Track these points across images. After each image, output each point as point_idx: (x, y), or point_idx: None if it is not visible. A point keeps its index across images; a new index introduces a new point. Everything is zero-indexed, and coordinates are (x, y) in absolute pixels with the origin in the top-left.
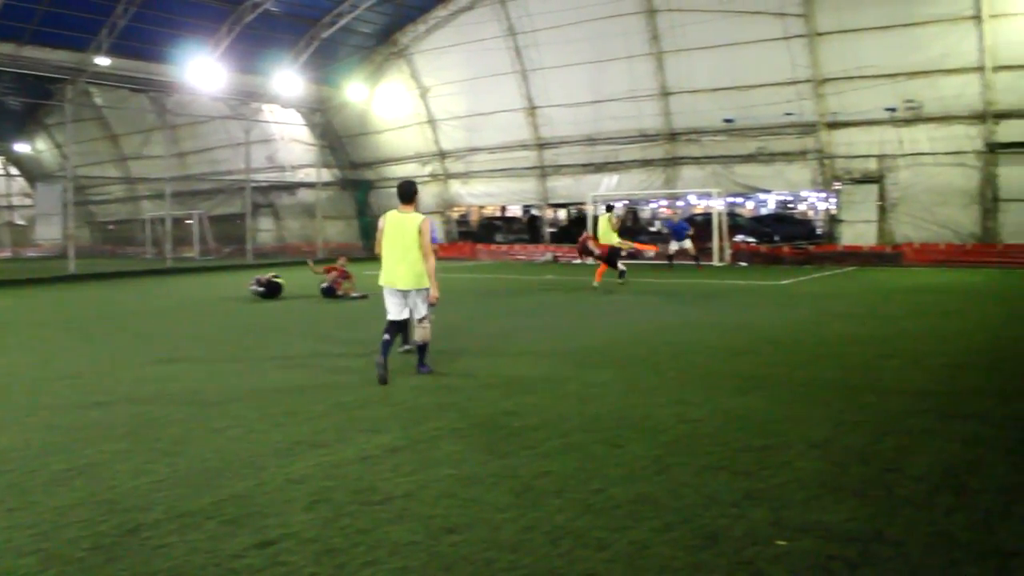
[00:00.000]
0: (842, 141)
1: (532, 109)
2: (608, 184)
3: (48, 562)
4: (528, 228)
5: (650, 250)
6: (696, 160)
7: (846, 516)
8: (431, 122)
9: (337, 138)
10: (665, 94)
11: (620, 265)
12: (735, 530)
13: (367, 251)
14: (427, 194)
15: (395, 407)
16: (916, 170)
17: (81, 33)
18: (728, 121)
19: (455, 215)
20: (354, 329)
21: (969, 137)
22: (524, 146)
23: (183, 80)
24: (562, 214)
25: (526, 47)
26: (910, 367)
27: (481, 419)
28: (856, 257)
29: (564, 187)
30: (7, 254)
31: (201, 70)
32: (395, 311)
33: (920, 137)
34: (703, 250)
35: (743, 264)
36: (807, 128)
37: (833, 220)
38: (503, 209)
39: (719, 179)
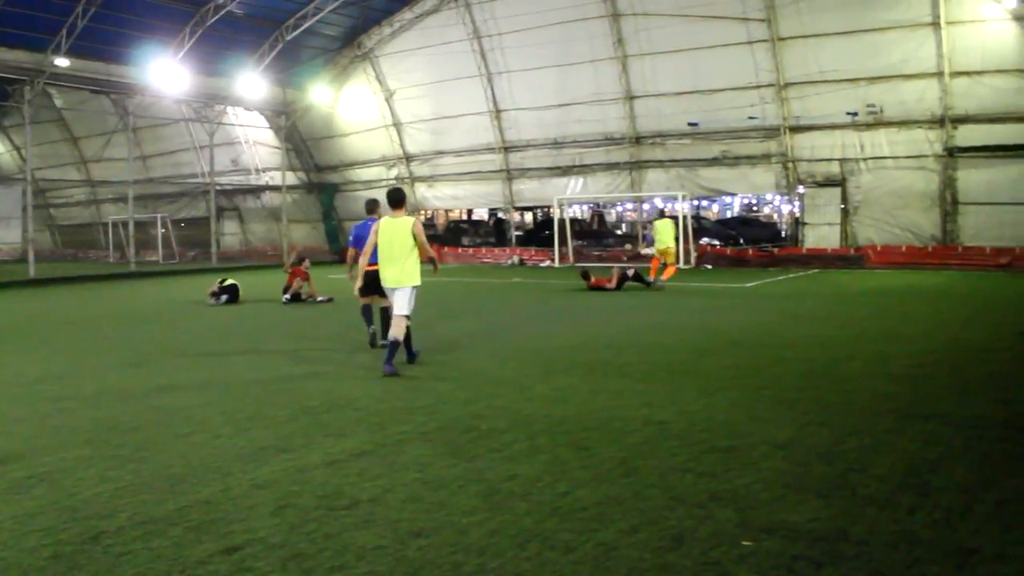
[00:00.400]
0: (805, 145)
1: (497, 112)
2: (574, 187)
3: (7, 572)
4: (494, 231)
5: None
6: (661, 163)
7: (811, 516)
8: (396, 125)
9: (302, 141)
10: (630, 98)
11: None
12: (701, 531)
13: (333, 254)
14: None
15: (361, 411)
16: (878, 174)
17: (39, 33)
18: (692, 125)
19: (421, 218)
20: (319, 333)
21: (929, 141)
22: (490, 149)
23: (145, 82)
24: (528, 217)
25: (491, 50)
26: (873, 368)
27: (447, 422)
28: (820, 259)
29: (530, 190)
30: None
31: (163, 72)
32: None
33: (881, 141)
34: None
35: (708, 267)
36: (770, 132)
37: (797, 223)
38: (469, 212)
39: (684, 182)
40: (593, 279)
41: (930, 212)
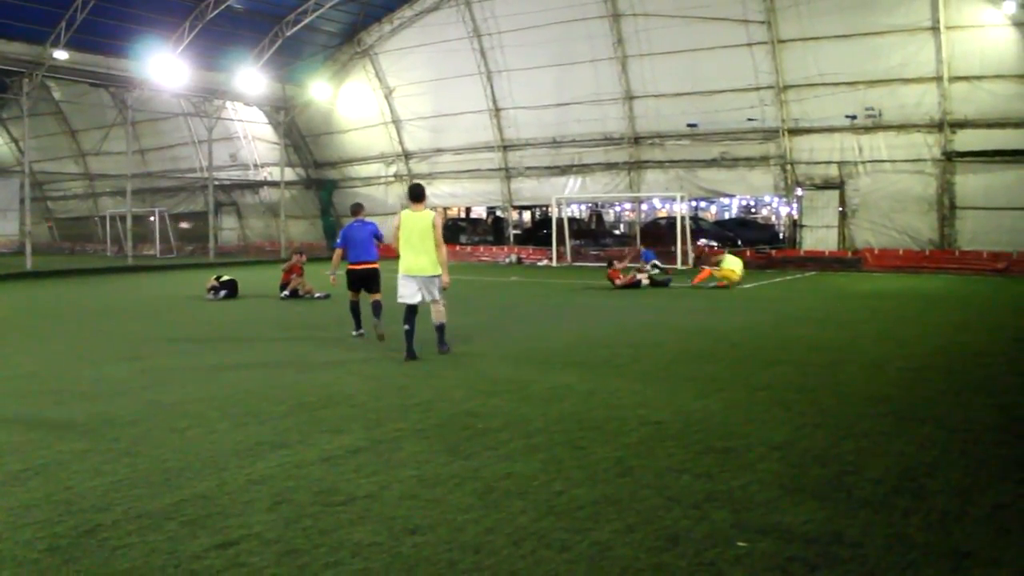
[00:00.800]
0: (804, 147)
1: (497, 111)
2: (572, 187)
3: (2, 564)
4: (492, 230)
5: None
6: (660, 164)
7: (806, 518)
8: (396, 122)
9: (301, 137)
10: (629, 98)
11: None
12: (696, 532)
13: (332, 251)
14: (391, 195)
15: (358, 408)
16: (876, 177)
17: (39, 25)
18: (692, 126)
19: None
20: (316, 328)
21: (927, 145)
22: (488, 147)
23: (144, 76)
24: (527, 216)
25: (491, 49)
26: (869, 371)
27: (444, 419)
28: (817, 262)
29: (528, 189)
30: None
31: (162, 66)
32: (410, 296)
33: (880, 144)
34: (665, 254)
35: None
36: (769, 134)
37: (795, 225)
38: (467, 210)
39: (682, 183)
40: (612, 271)
41: (928, 216)
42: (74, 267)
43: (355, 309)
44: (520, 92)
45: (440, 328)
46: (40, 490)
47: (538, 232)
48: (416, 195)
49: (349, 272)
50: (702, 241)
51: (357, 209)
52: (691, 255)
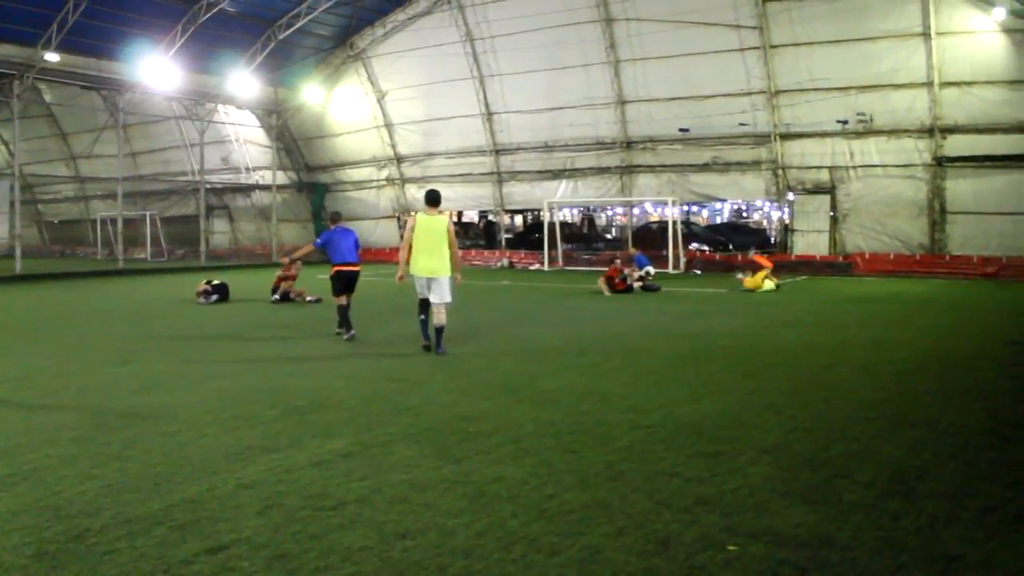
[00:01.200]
0: (795, 152)
1: (489, 115)
2: (564, 191)
3: None
4: (484, 234)
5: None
6: (652, 168)
7: (796, 521)
8: (388, 126)
9: (293, 140)
10: (622, 102)
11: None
12: (687, 535)
13: (323, 255)
14: (383, 198)
15: (348, 412)
16: (867, 182)
17: (30, 28)
18: (683, 130)
19: (411, 220)
20: (307, 332)
21: (918, 150)
22: (480, 151)
23: (136, 78)
24: (518, 220)
25: (483, 53)
26: (859, 375)
27: (435, 423)
28: (808, 266)
29: (520, 193)
30: None
31: (154, 69)
32: (424, 291)
33: (871, 149)
34: (657, 259)
35: (698, 272)
36: (761, 139)
37: (786, 229)
38: (459, 214)
39: (675, 187)
40: (613, 268)
41: (918, 220)
42: (64, 270)
43: (345, 312)
44: (512, 96)
45: (439, 330)
46: (28, 495)
47: (530, 236)
48: (433, 199)
49: (338, 274)
50: (694, 244)
51: (337, 217)
52: (682, 259)
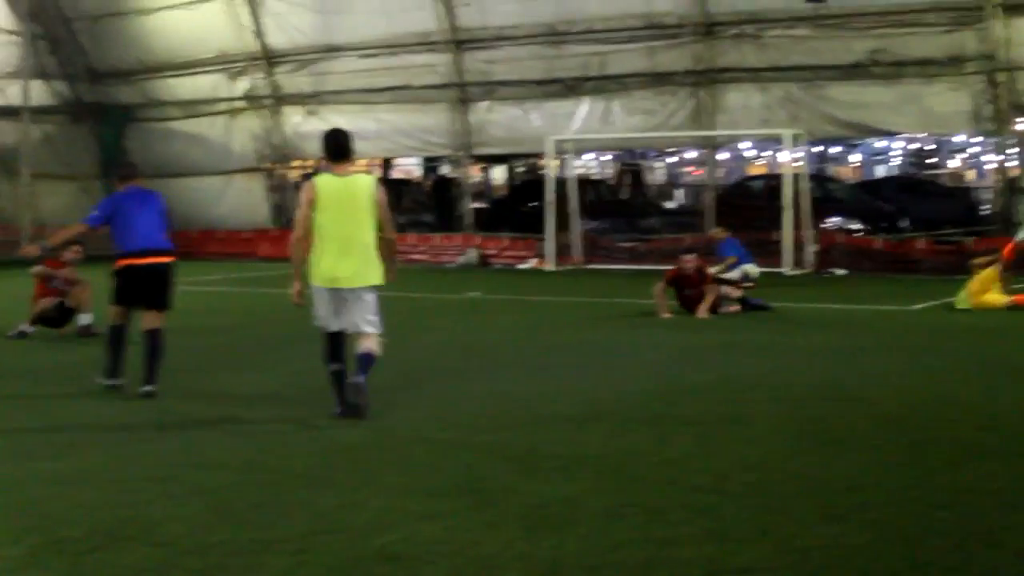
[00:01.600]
0: None
1: None
2: (585, 120)
3: None
4: (434, 203)
5: None
6: (753, 74)
7: None
8: None
9: (63, 23)
10: None
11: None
12: None
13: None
14: (238, 135)
15: (166, 549)
16: None
17: None
18: (815, 1)
19: (293, 177)
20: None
21: None
22: (427, 45)
23: None
24: (497, 174)
25: None
26: None
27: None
28: None
29: (502, 124)
30: None
31: None
32: (331, 319)
33: None
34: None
35: (839, 271)
36: (963, 14)
37: (1013, 190)
38: (386, 166)
39: (796, 111)
40: (674, 271)
41: None
42: None
43: (119, 339)
44: None
45: (366, 359)
46: None
47: (518, 206)
48: (339, 148)
49: (125, 270)
50: (834, 219)
51: (130, 172)
52: (812, 247)
